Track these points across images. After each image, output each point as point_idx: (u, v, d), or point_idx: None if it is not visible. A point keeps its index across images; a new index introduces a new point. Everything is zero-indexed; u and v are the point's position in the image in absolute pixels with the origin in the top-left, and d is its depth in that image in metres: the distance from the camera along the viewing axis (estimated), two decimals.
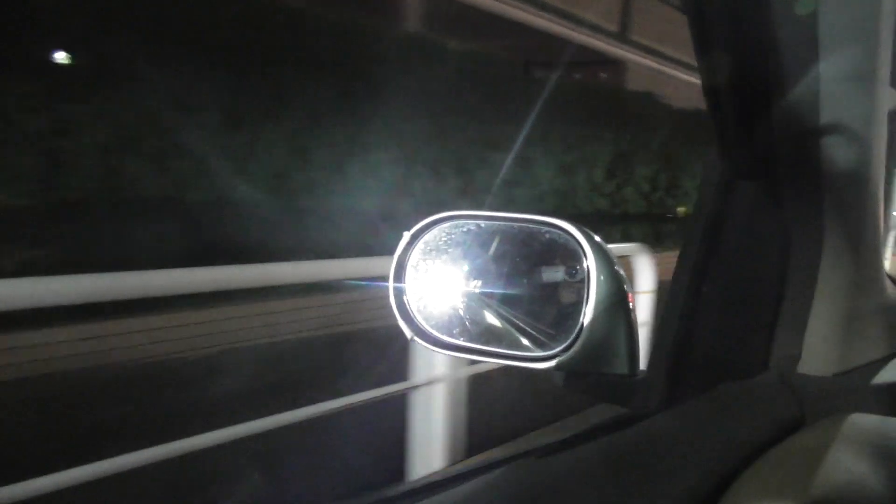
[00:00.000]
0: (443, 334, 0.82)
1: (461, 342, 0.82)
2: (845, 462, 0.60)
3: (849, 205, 0.74)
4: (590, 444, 0.66)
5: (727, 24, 0.69)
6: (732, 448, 0.63)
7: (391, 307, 0.81)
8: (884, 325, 0.80)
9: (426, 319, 0.82)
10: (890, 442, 0.64)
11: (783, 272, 0.75)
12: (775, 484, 0.58)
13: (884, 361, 0.79)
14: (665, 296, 0.82)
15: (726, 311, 0.77)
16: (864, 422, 0.66)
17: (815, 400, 0.69)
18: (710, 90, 0.76)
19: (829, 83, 0.70)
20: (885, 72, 0.73)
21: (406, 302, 0.81)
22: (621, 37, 15.62)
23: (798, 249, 0.76)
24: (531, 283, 0.82)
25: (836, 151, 0.72)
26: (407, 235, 0.81)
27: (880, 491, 0.58)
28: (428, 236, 0.82)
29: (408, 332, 0.80)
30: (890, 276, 0.85)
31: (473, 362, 3.22)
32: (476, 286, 0.84)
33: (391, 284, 0.81)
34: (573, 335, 0.73)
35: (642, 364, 0.77)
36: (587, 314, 0.72)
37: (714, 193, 0.80)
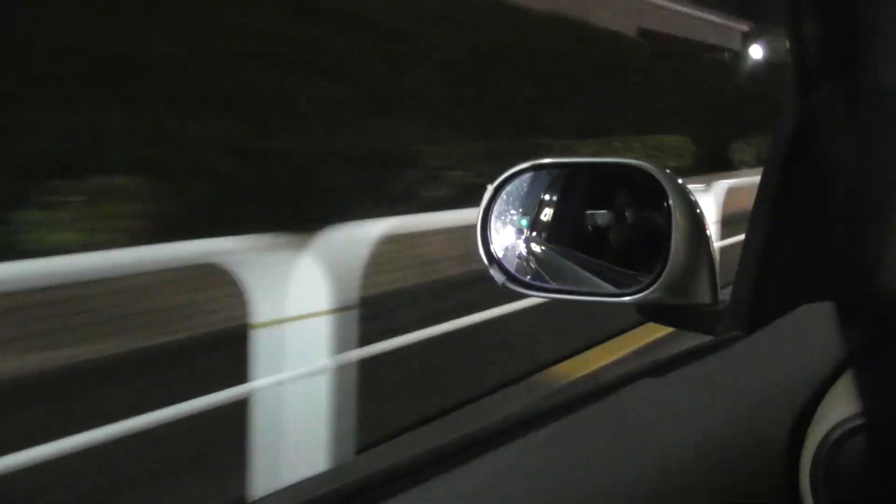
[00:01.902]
0: (531, 278, 0.87)
1: (550, 284, 0.87)
2: None
3: None
4: (679, 370, 0.70)
5: None
6: (821, 362, 0.66)
7: (480, 256, 0.86)
8: None
9: (513, 266, 0.87)
10: None
11: (866, 188, 0.76)
12: (870, 387, 0.62)
13: None
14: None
15: (807, 232, 0.78)
16: None
17: None
18: None
19: None
20: None
21: (493, 251, 0.86)
22: None
23: (880, 162, 0.76)
24: (612, 224, 0.86)
25: None
26: (490, 188, 0.86)
27: None
28: (510, 187, 0.86)
29: (498, 278, 0.85)
30: None
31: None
32: (558, 231, 0.89)
33: (478, 234, 0.86)
34: (657, 270, 0.77)
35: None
36: (671, 250, 0.76)
37: (792, 110, 0.80)
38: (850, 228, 0.75)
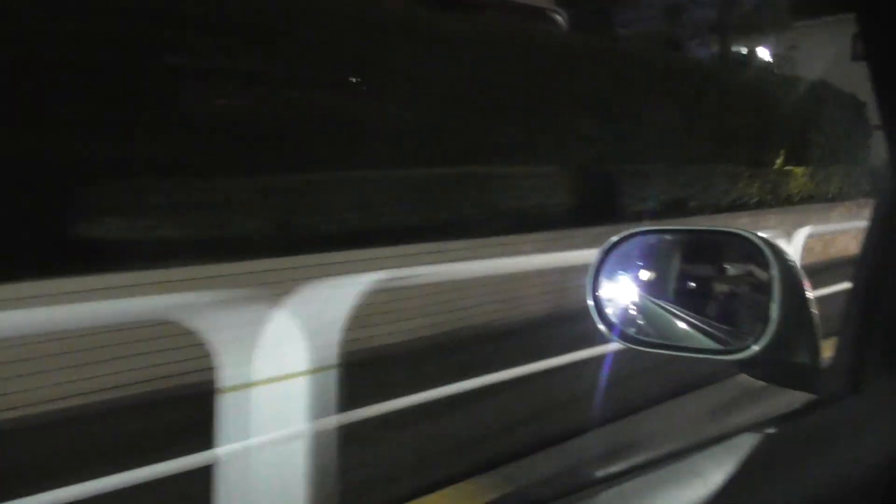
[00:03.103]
0: (638, 334, 0.94)
1: (657, 340, 0.94)
2: None
3: None
4: (784, 427, 0.75)
5: None
6: None
7: (591, 313, 0.94)
8: None
9: (623, 323, 0.94)
10: None
11: None
12: None
13: None
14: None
15: None
16: None
17: None
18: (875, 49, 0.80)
19: None
20: None
21: (604, 308, 0.94)
22: None
23: None
24: (715, 287, 0.93)
25: None
26: (601, 250, 0.94)
27: None
28: (620, 249, 0.94)
29: (608, 335, 0.93)
30: None
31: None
32: (665, 292, 0.96)
33: (589, 293, 0.94)
34: (759, 330, 0.84)
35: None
36: (774, 311, 0.82)
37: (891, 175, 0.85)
38: None
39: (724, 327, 0.91)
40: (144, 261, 4.35)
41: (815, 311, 0.86)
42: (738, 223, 7.60)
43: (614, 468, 0.71)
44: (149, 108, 4.69)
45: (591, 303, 0.94)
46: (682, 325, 0.95)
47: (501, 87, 6.78)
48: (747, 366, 0.91)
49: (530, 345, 4.64)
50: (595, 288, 0.94)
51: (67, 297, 3.91)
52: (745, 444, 0.73)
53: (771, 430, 0.75)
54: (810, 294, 0.85)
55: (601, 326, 0.94)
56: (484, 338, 5.63)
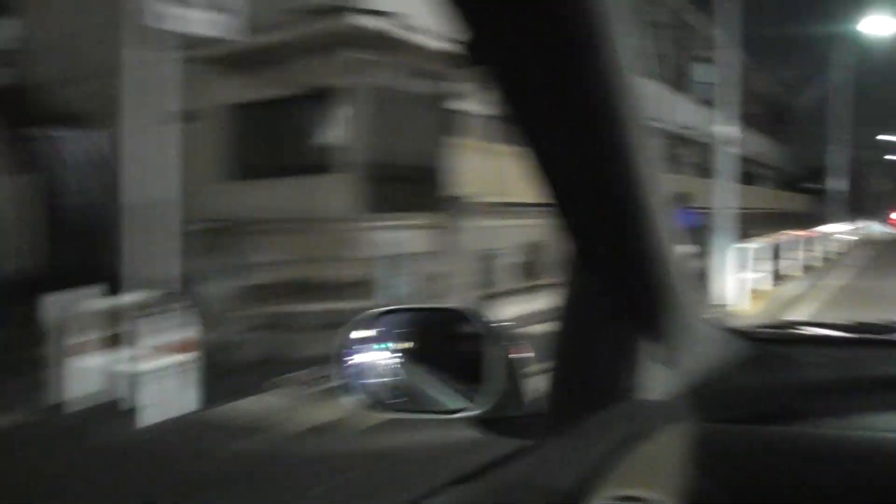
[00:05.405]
0: (383, 401, 1.03)
1: (398, 405, 1.03)
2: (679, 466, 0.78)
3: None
4: (487, 476, 0.84)
5: None
6: (594, 467, 0.81)
7: (338, 385, 1.02)
8: (701, 352, 1.00)
9: (368, 391, 1.02)
10: (714, 445, 0.83)
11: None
12: (626, 485, 0.76)
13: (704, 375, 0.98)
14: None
15: (586, 350, 0.96)
16: (694, 430, 0.84)
17: (655, 418, 0.88)
18: None
19: None
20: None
21: (351, 380, 1.02)
22: None
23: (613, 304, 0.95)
24: (453, 355, 1.03)
25: None
26: (345, 328, 1.03)
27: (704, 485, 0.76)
28: (363, 326, 1.03)
29: (353, 404, 1.01)
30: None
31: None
32: (402, 361, 1.05)
33: (335, 367, 1.02)
34: (476, 392, 0.94)
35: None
36: (485, 373, 0.93)
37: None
38: (612, 348, 0.92)
39: (461, 391, 1.00)
40: None
41: (519, 369, 0.96)
42: None
43: None
44: None
45: (338, 377, 1.02)
46: (425, 390, 1.04)
47: None
48: (482, 423, 1.01)
49: None
50: (344, 362, 1.02)
51: None
52: (453, 497, 0.81)
53: (477, 481, 0.82)
54: (515, 354, 0.96)
55: (348, 399, 1.01)
56: None
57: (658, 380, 0.91)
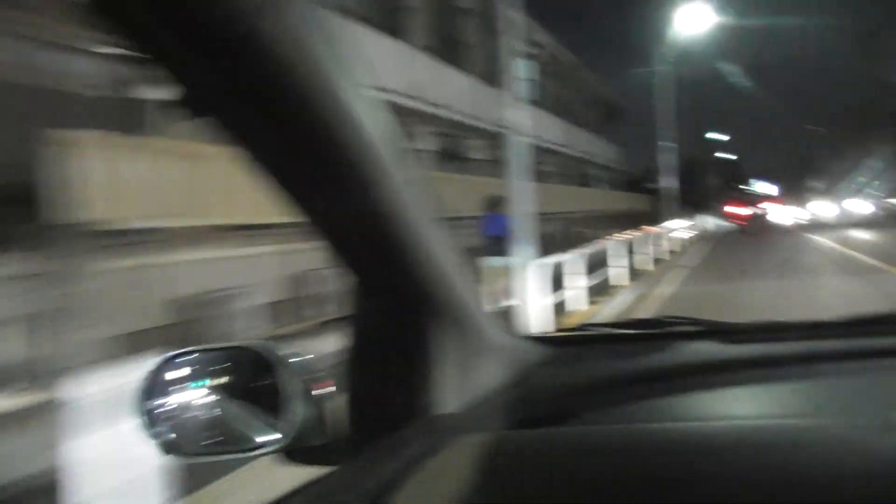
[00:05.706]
0: (189, 444, 1.03)
1: (203, 448, 1.03)
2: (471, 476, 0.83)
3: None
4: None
5: None
6: (382, 489, 0.84)
7: (143, 431, 1.01)
8: (495, 361, 1.07)
9: (173, 435, 1.02)
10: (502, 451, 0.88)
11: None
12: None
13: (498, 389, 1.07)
14: None
15: (378, 372, 1.00)
16: (483, 439, 0.89)
17: (447, 432, 0.91)
18: None
19: None
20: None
21: (155, 426, 1.01)
22: None
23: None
24: (250, 391, 1.04)
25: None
26: (143, 373, 1.02)
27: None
28: (161, 369, 1.03)
29: (159, 450, 1.00)
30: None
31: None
32: (205, 400, 1.06)
33: (138, 412, 1.01)
34: (278, 426, 0.97)
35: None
36: (283, 406, 0.96)
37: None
38: (404, 368, 0.98)
39: (272, 424, 1.02)
40: None
41: (316, 400, 1.00)
42: None
43: None
44: None
45: (141, 423, 1.00)
46: (237, 427, 1.05)
47: None
48: (287, 454, 1.04)
49: None
50: (144, 406, 1.01)
51: None
52: None
53: None
54: (315, 386, 1.00)
55: (154, 445, 1.01)
56: None
57: (453, 393, 0.98)
